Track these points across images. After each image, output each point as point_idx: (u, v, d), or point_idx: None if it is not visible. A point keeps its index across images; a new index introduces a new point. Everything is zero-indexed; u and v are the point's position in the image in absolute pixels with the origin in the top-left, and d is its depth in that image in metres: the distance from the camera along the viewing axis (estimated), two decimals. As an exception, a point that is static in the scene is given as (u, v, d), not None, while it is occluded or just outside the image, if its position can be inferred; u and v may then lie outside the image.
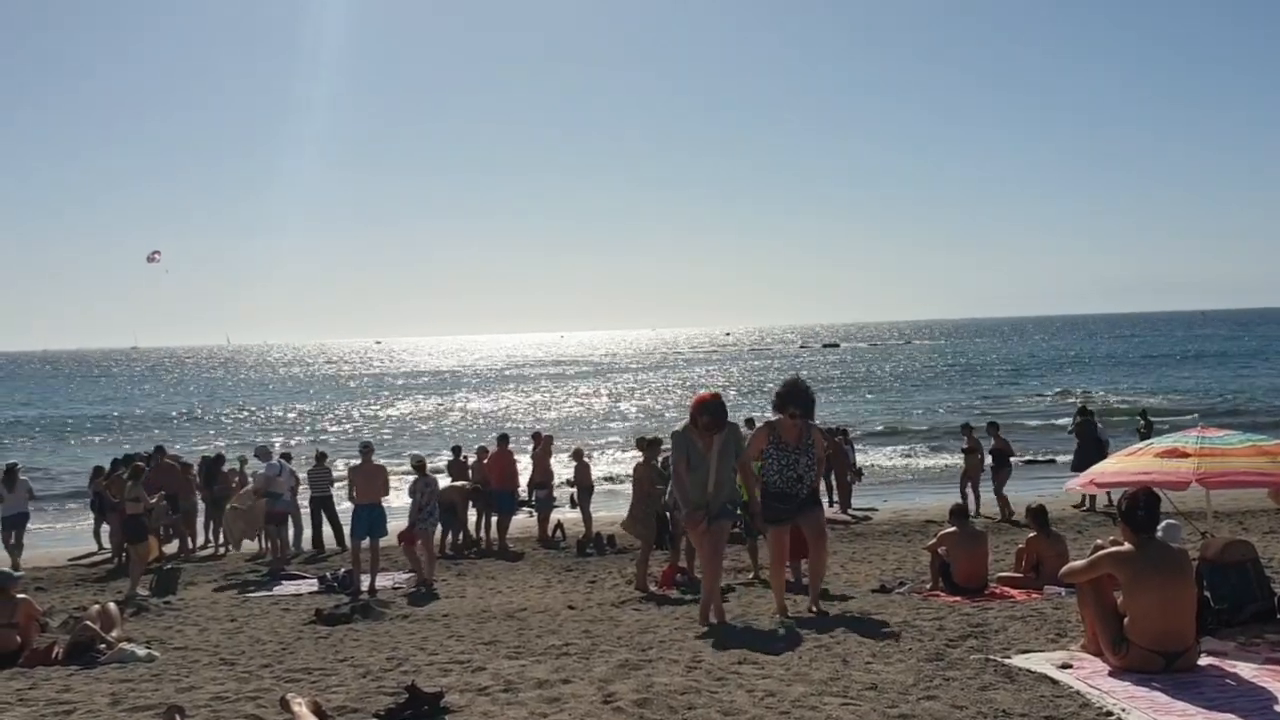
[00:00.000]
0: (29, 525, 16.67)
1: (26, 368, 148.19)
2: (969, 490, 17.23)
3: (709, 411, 7.82)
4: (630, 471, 13.65)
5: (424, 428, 45.10)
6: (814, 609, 8.30)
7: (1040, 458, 26.91)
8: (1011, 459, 17.74)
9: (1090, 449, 16.74)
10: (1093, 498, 16.85)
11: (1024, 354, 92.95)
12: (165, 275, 49.49)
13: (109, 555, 16.09)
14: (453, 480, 16.68)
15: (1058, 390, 51.15)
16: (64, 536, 19.44)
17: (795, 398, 8.19)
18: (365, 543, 13.00)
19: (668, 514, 12.44)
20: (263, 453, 16.64)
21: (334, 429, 45.99)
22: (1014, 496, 16.83)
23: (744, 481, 8.31)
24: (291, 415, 54.28)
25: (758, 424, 17.38)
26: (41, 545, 17.92)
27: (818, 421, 8.91)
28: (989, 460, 17.36)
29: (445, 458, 20.92)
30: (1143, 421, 20.56)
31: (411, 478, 13.63)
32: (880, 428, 37.62)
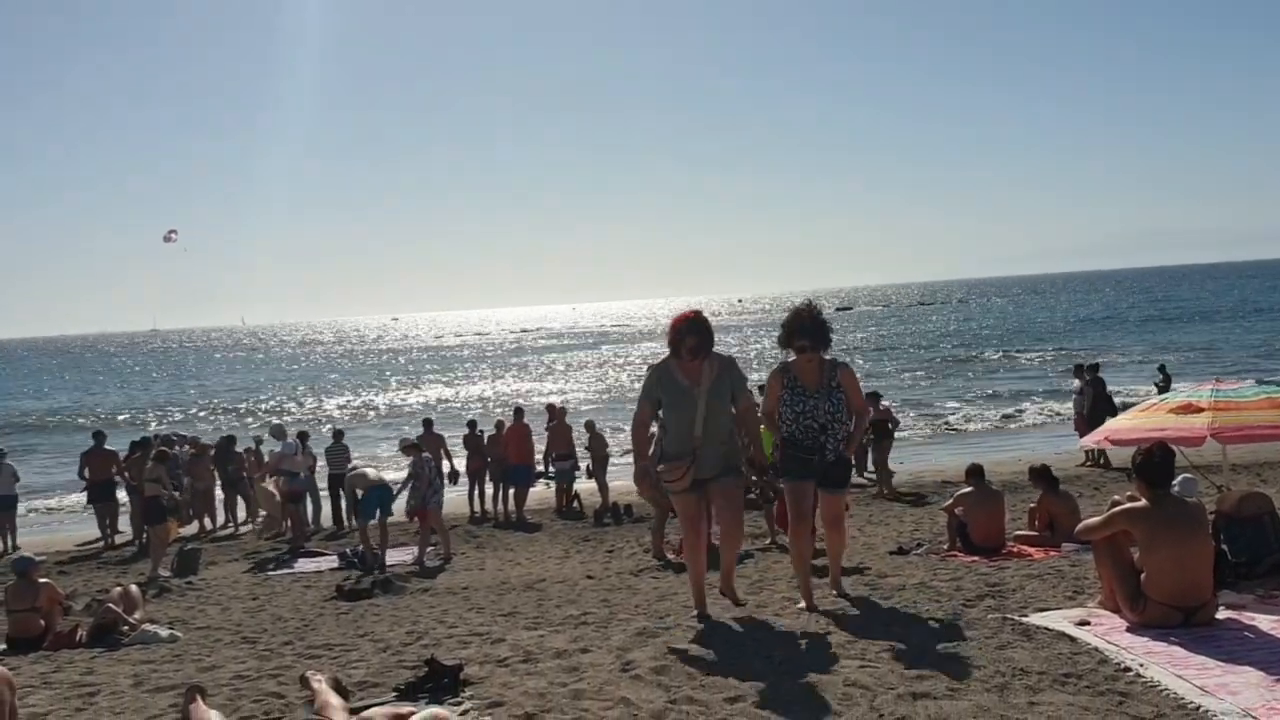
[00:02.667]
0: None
1: (39, 356, 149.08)
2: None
3: (694, 331, 6.19)
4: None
5: (438, 404, 45.20)
6: (834, 593, 6.94)
7: (1051, 417, 26.89)
8: (894, 430, 17.37)
9: (1102, 406, 16.66)
10: (1101, 453, 16.63)
11: (1037, 314, 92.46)
12: (183, 254, 49.68)
13: (128, 539, 16.15)
14: (469, 455, 16.73)
15: (1061, 349, 50.76)
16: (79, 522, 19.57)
17: (801, 327, 6.36)
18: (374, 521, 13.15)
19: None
20: (278, 431, 16.74)
21: (349, 408, 46.14)
22: (1028, 456, 16.72)
23: (769, 430, 6.72)
24: (306, 396, 54.50)
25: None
26: (64, 529, 18.08)
27: None
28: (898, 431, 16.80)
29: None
30: (1160, 375, 20.46)
31: (407, 460, 13.71)
32: (894, 389, 37.49)
